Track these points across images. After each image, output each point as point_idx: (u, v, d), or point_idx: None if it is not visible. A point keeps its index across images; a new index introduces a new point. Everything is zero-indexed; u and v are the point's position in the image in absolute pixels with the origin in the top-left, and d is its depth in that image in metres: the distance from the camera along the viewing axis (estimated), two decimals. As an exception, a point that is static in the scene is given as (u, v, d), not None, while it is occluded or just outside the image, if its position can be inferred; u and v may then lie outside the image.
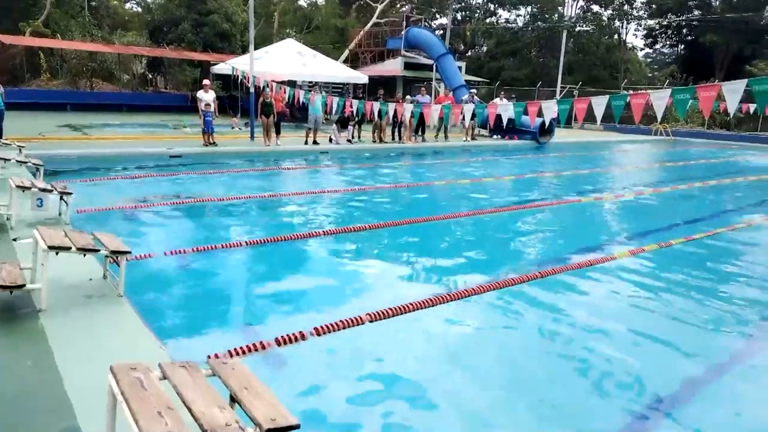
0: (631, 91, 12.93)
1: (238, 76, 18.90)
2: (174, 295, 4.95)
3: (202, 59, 26.90)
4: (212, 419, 1.94)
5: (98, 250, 4.26)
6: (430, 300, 4.93)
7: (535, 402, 3.57)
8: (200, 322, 4.51)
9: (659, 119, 22.37)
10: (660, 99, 7.47)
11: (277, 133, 15.71)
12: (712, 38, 36.69)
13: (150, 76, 33.30)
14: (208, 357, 3.55)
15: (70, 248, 4.05)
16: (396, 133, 18.41)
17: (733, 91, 6.49)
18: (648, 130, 27.05)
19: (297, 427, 2.00)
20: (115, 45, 27.82)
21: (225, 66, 21.82)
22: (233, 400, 2.19)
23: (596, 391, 3.71)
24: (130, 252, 4.42)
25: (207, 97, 14.17)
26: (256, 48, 17.55)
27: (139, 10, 40.07)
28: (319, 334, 4.20)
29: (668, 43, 46.69)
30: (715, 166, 17.72)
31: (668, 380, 3.84)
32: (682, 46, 44.46)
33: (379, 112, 15.87)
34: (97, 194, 8.75)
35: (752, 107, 19.41)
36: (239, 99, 24.32)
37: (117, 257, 4.31)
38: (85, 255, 4.32)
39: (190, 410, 2.01)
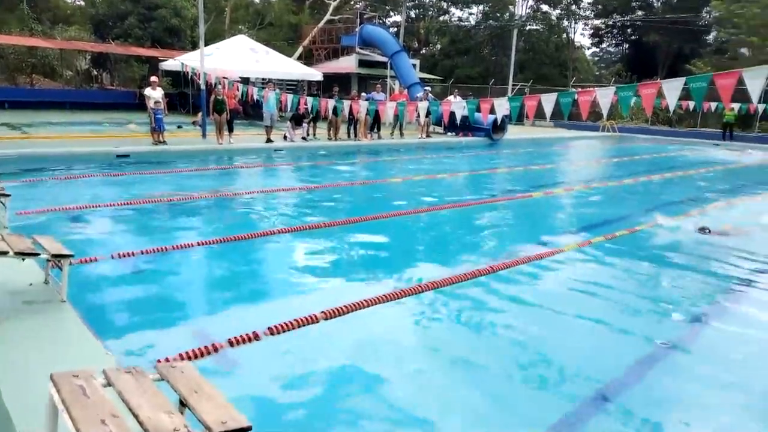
0: (579, 89, 13.33)
1: (188, 72, 18.44)
2: (121, 299, 4.78)
3: (150, 55, 26.09)
4: (159, 424, 1.89)
5: (38, 254, 4.08)
6: (385, 296, 4.94)
7: (487, 393, 3.65)
8: (150, 326, 4.37)
9: (605, 116, 23.08)
10: (605, 96, 7.71)
11: (230, 130, 15.41)
12: (654, 38, 38.24)
13: (95, 72, 32.05)
14: (158, 361, 3.45)
15: (7, 253, 3.86)
16: (351, 131, 18.37)
17: (672, 89, 6.77)
18: (596, 127, 27.94)
19: (249, 429, 1.97)
20: (56, 40, 26.61)
21: (174, 62, 21.23)
22: (183, 404, 2.14)
23: (543, 379, 3.82)
24: (72, 255, 4.25)
25: (155, 94, 13.76)
26: (206, 44, 17.15)
27: (83, 3, 38.45)
28: (273, 334, 4.15)
29: (614, 42, 48.38)
30: (657, 160, 18.48)
31: (614, 366, 3.98)
32: (627, 45, 46.15)
33: (335, 109, 15.79)
34: (39, 196, 8.37)
35: (692, 104, 20.31)
36: (190, 96, 23.72)
37: (59, 261, 4.14)
38: (24, 259, 4.13)
39: (136, 417, 1.95)
